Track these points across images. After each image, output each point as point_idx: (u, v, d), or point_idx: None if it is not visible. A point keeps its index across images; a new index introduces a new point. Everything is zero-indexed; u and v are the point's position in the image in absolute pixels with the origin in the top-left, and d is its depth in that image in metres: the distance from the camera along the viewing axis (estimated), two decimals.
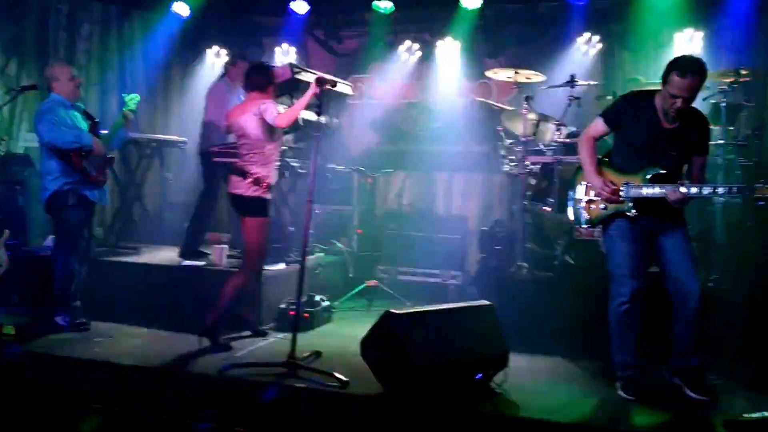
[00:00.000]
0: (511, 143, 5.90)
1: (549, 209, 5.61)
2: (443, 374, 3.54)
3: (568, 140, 5.41)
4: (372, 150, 7.45)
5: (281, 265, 5.62)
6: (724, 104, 5.32)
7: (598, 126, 3.94)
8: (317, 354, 4.39)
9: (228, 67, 6.22)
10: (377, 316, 5.54)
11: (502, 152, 5.93)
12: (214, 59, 8.15)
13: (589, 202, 3.99)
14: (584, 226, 4.05)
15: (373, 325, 3.73)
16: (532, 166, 5.55)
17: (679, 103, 3.60)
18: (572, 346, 4.56)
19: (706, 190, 3.57)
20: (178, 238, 6.05)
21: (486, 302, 3.95)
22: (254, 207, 4.53)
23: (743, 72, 5.37)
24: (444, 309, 3.81)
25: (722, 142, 5.26)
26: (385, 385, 3.63)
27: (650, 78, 6.22)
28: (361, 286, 6.21)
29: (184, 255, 5.84)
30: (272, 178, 4.61)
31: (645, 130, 3.77)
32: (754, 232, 5.48)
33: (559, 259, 5.31)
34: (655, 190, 3.69)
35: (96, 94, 7.39)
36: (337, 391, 3.75)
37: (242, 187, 4.51)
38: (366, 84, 7.68)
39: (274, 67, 5.03)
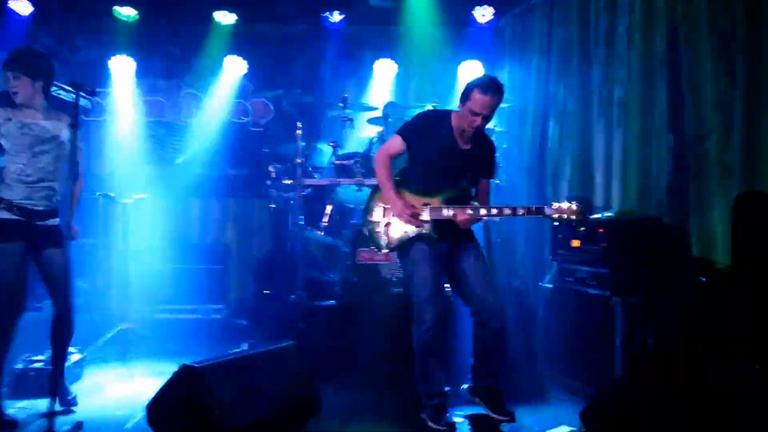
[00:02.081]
0: (280, 166, 5.59)
1: (322, 233, 5.42)
2: None
3: (345, 162, 5.26)
4: (117, 173, 6.56)
5: None
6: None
7: (396, 143, 3.81)
8: (78, 425, 3.56)
9: None
10: (137, 366, 4.94)
11: (273, 175, 5.59)
12: None
13: (388, 225, 3.83)
14: (384, 250, 3.87)
15: (165, 383, 3.09)
16: (304, 190, 5.31)
17: (478, 121, 3.61)
18: (368, 376, 4.37)
19: (507, 211, 3.63)
20: None
21: (289, 342, 3.55)
22: None
23: None
24: (247, 355, 3.32)
25: None
26: None
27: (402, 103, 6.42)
28: (114, 331, 5.37)
29: None
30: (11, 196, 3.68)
31: (442, 150, 3.73)
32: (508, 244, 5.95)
33: (340, 285, 5.12)
34: (449, 212, 3.66)
35: None
36: None
37: None
38: (107, 99, 6.76)
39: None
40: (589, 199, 5.21)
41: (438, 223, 3.70)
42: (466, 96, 3.63)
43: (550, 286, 4.77)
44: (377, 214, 3.88)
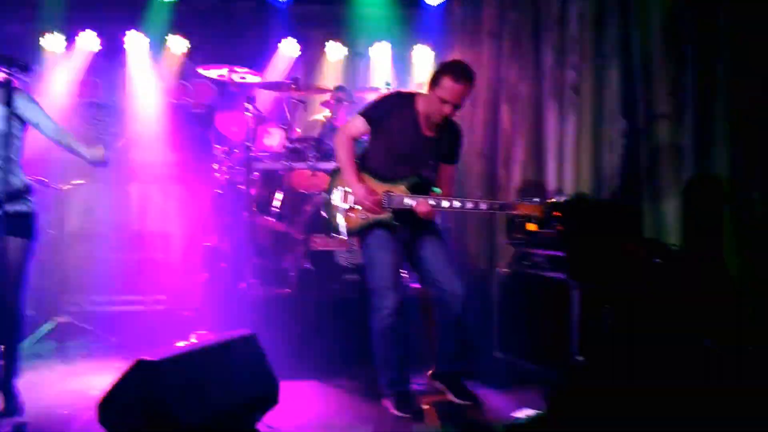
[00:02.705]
0: (227, 149, 5.37)
1: (273, 219, 5.24)
2: (216, 430, 2.89)
3: (297, 145, 5.08)
4: (49, 157, 6.17)
5: None
6: None
7: (358, 125, 3.67)
8: (20, 426, 3.32)
9: None
10: (78, 361, 4.66)
11: (219, 159, 5.37)
12: None
13: (348, 210, 3.70)
14: (344, 236, 3.75)
15: (118, 379, 2.87)
16: (254, 174, 5.11)
17: (447, 109, 3.50)
18: (327, 366, 4.27)
19: (469, 205, 3.54)
20: None
21: (247, 331, 3.39)
22: None
23: None
24: (206, 347, 3.14)
25: None
26: None
27: (352, 86, 6.29)
28: (49, 326, 5.06)
29: None
30: None
31: (406, 136, 3.62)
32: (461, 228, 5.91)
33: (294, 273, 4.96)
34: (411, 202, 3.56)
35: None
36: None
37: None
38: (34, 79, 6.33)
39: None
40: (542, 183, 5.24)
41: (399, 210, 3.61)
42: (435, 82, 3.50)
43: (506, 270, 4.75)
44: (337, 198, 3.75)
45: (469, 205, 3.52)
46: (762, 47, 3.87)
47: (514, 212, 3.46)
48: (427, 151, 3.66)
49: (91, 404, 3.50)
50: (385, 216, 3.61)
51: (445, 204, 3.53)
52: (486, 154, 6.01)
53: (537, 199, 3.45)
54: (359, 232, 3.72)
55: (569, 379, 3.58)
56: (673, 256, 3.98)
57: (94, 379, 4.20)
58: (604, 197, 4.73)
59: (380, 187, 3.63)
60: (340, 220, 3.72)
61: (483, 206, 3.52)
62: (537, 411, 3.45)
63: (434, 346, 3.86)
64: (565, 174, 5.11)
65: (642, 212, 4.44)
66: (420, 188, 3.61)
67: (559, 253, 4.26)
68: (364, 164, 3.73)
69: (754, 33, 3.90)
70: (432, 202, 3.52)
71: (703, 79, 4.16)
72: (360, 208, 3.64)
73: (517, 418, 3.41)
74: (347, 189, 3.69)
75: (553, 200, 4.60)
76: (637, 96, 4.53)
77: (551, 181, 5.25)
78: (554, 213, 4.32)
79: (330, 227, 3.82)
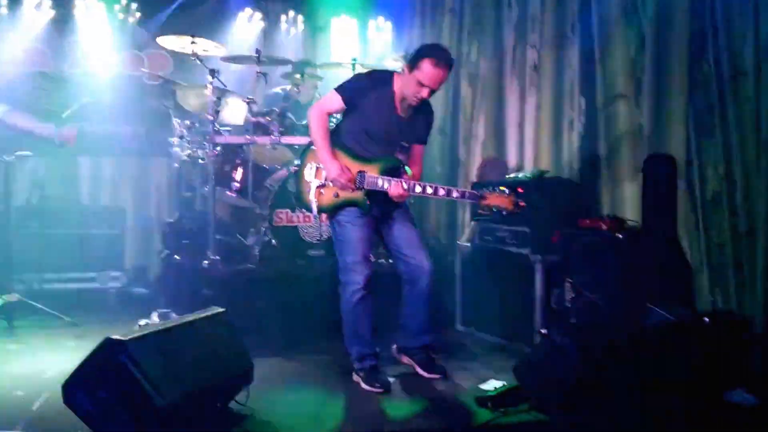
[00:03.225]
0: (188, 123, 5.23)
1: (235, 195, 5.16)
2: (190, 410, 2.85)
3: (260, 119, 4.99)
4: None
5: None
6: None
7: (334, 101, 3.62)
8: None
9: None
10: (30, 341, 4.49)
11: (178, 133, 5.22)
12: None
13: (320, 186, 3.67)
14: (315, 213, 3.72)
15: (85, 358, 2.79)
16: (215, 148, 5.00)
17: (425, 93, 3.49)
18: (295, 342, 4.26)
19: (441, 192, 3.54)
20: None
21: (219, 308, 3.33)
22: None
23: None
24: (177, 325, 3.08)
25: None
26: None
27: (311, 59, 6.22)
28: None
29: None
30: None
31: (382, 116, 3.59)
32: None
33: (258, 249, 4.91)
34: (384, 184, 3.56)
35: None
36: None
37: None
38: None
39: None
40: (503, 161, 5.31)
41: (371, 190, 3.60)
42: (414, 64, 3.46)
43: (468, 244, 4.82)
44: (309, 174, 3.71)
45: (441, 192, 3.53)
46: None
47: (484, 202, 3.49)
48: (402, 131, 3.65)
49: (47, 385, 3.41)
50: (358, 195, 3.60)
51: (417, 189, 3.53)
52: (446, 131, 6.05)
53: (506, 190, 3.48)
54: (331, 209, 3.70)
55: (538, 351, 3.65)
56: (631, 231, 4.10)
57: (48, 359, 4.04)
58: (564, 174, 4.82)
59: (353, 166, 3.60)
60: (311, 197, 3.68)
61: (454, 194, 3.54)
62: (504, 383, 3.53)
63: (401, 320, 3.88)
64: (526, 152, 5.19)
65: (601, 189, 4.56)
66: (393, 169, 3.60)
67: (523, 228, 4.35)
68: (338, 140, 3.69)
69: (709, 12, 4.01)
70: (405, 185, 3.53)
71: (660, 58, 4.27)
72: (332, 185, 3.62)
73: (486, 390, 3.48)
74: (320, 165, 3.66)
75: (515, 176, 4.70)
76: (596, 76, 4.61)
77: (512, 159, 5.33)
78: (518, 189, 4.41)
79: (298, 202, 3.79)
